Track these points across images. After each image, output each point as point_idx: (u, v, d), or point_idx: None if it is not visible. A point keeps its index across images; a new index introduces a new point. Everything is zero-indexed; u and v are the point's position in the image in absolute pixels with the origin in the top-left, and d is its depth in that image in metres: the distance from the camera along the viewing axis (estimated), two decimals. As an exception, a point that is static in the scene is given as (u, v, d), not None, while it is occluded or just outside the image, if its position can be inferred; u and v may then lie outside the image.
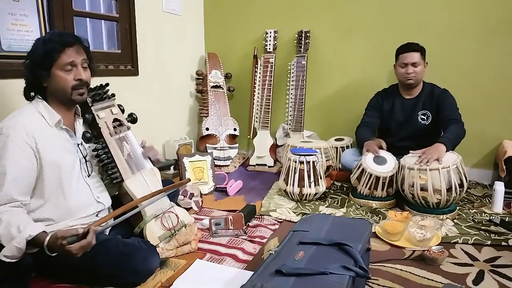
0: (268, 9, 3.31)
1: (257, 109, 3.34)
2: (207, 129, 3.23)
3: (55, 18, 2.17)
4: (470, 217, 2.17)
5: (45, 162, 1.44)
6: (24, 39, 2.01)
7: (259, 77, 3.32)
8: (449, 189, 2.09)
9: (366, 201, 2.36)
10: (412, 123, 2.53)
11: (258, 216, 2.19)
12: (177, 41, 3.23)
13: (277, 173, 3.01)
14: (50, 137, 1.48)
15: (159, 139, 3.09)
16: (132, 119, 1.81)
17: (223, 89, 3.37)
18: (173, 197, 1.88)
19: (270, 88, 3.25)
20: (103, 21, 2.94)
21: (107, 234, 1.61)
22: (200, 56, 3.55)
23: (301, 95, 3.14)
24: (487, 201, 2.43)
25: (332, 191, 2.63)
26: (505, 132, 2.73)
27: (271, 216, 2.19)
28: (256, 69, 3.35)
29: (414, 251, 1.76)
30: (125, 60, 2.74)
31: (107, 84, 1.76)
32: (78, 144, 1.59)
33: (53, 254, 1.28)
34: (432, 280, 1.53)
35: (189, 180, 1.96)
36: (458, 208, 2.26)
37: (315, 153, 2.43)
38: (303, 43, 3.14)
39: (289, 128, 3.22)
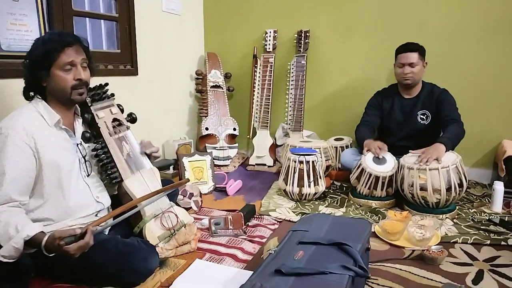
0: (267, 9, 3.31)
1: (257, 109, 3.34)
2: (206, 129, 3.23)
3: (54, 18, 2.17)
4: (470, 216, 2.17)
5: (45, 162, 1.43)
6: (24, 39, 2.01)
7: (259, 77, 3.32)
8: (448, 189, 2.09)
9: (366, 200, 2.36)
10: (411, 123, 2.53)
11: (257, 216, 2.19)
12: (177, 41, 3.23)
13: (276, 173, 3.01)
14: (50, 137, 1.48)
15: (159, 139, 3.09)
16: (132, 119, 1.81)
17: (222, 89, 3.37)
18: (172, 197, 1.88)
19: (270, 88, 3.25)
20: (102, 21, 2.95)
21: (106, 234, 1.61)
22: (199, 56, 3.55)
23: (300, 95, 3.14)
24: (487, 200, 2.43)
25: (331, 191, 2.63)
26: (504, 132, 2.73)
27: (270, 215, 2.19)
28: (255, 69, 3.35)
29: (413, 250, 1.76)
30: (125, 60, 2.74)
31: (106, 84, 1.76)
32: (77, 144, 1.59)
33: (51, 255, 1.28)
34: (432, 279, 1.53)
35: (188, 180, 1.96)
36: (457, 207, 2.26)
37: (314, 153, 2.43)
38: (302, 43, 3.14)
39: (289, 128, 3.22)
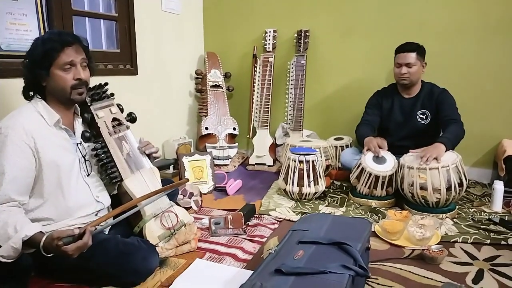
0: (267, 8, 3.31)
1: (257, 108, 3.34)
2: (206, 128, 3.22)
3: (54, 17, 2.17)
4: (470, 216, 2.17)
5: (44, 161, 1.43)
6: (23, 39, 2.01)
7: (259, 76, 3.32)
8: (448, 188, 2.09)
9: (366, 200, 2.36)
10: (411, 122, 2.53)
11: (257, 216, 2.19)
12: (176, 41, 3.22)
13: (276, 173, 3.01)
14: (49, 136, 1.48)
15: (159, 138, 3.09)
16: (131, 118, 1.81)
17: (222, 88, 3.37)
18: (172, 197, 1.88)
19: (270, 88, 3.25)
20: (102, 20, 2.94)
21: (106, 233, 1.61)
22: (199, 56, 3.55)
23: (300, 95, 3.14)
24: (487, 200, 2.43)
25: (331, 190, 2.63)
26: (504, 131, 2.73)
27: (270, 215, 2.19)
28: (255, 69, 3.35)
29: (413, 250, 1.76)
30: (124, 59, 2.74)
31: (106, 84, 1.76)
32: (77, 144, 1.59)
33: (49, 255, 1.27)
34: (432, 279, 1.53)
35: (187, 180, 1.96)
36: (457, 207, 2.26)
37: (314, 152, 2.43)
38: (302, 43, 3.13)
39: (289, 128, 3.22)
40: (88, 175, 1.60)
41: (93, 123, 1.67)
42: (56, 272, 1.46)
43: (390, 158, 2.36)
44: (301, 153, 2.41)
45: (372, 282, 1.50)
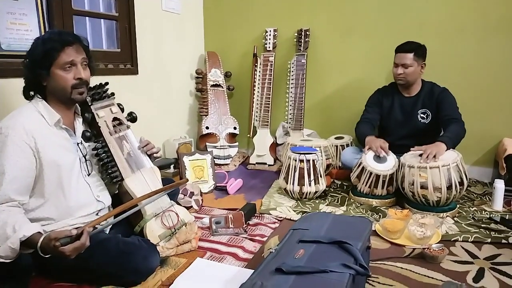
0: (267, 8, 3.30)
1: (257, 107, 3.34)
2: (207, 127, 3.22)
3: (54, 17, 2.17)
4: (470, 215, 2.16)
5: (45, 161, 1.43)
6: (24, 38, 2.01)
7: (259, 75, 3.32)
8: (449, 187, 2.09)
9: (366, 199, 2.36)
10: (412, 122, 2.52)
11: (258, 215, 2.19)
12: (177, 40, 3.22)
13: (277, 172, 3.01)
14: (50, 136, 1.48)
15: (159, 138, 3.09)
16: (132, 118, 1.81)
17: (222, 87, 3.37)
18: (173, 196, 1.88)
19: (270, 87, 3.25)
20: (102, 20, 2.95)
21: (107, 233, 1.61)
22: (199, 55, 3.55)
23: (301, 94, 3.14)
24: (487, 199, 2.43)
25: (332, 190, 2.63)
26: (505, 130, 2.73)
27: (271, 214, 2.19)
28: (255, 68, 3.35)
29: (414, 249, 1.76)
30: (125, 59, 2.74)
31: (106, 83, 1.76)
32: (77, 143, 1.59)
33: (46, 256, 1.26)
34: (432, 278, 1.53)
35: (187, 180, 1.96)
36: (458, 206, 2.26)
37: (315, 152, 2.43)
38: (302, 42, 3.13)
39: (289, 127, 3.22)
40: (89, 174, 1.60)
41: (94, 122, 1.67)
42: (57, 272, 1.46)
43: (391, 157, 2.35)
44: (302, 152, 2.41)
45: (373, 281, 1.50)
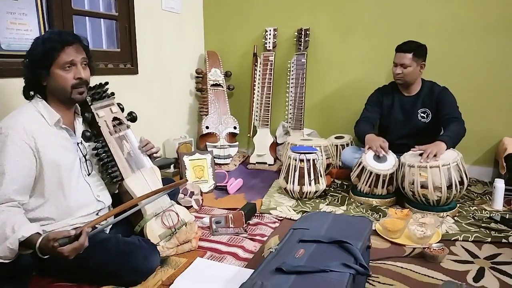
0: (267, 7, 3.30)
1: (257, 107, 3.34)
2: (207, 127, 3.22)
3: (54, 17, 2.17)
4: (471, 214, 2.16)
5: (45, 161, 1.43)
6: (23, 38, 2.01)
7: (259, 75, 3.31)
8: (449, 187, 2.09)
9: (367, 198, 2.36)
10: (412, 121, 2.52)
11: (258, 214, 2.19)
12: (177, 40, 3.22)
13: (277, 171, 3.01)
14: (50, 136, 1.48)
15: (159, 137, 3.09)
16: (132, 117, 1.81)
17: (222, 87, 3.37)
18: (173, 196, 1.88)
19: (270, 86, 3.25)
20: (102, 19, 2.94)
21: (107, 232, 1.61)
22: (199, 55, 3.55)
23: (301, 93, 3.14)
24: (487, 198, 2.43)
25: (332, 189, 2.63)
26: (505, 129, 2.73)
27: (271, 214, 2.19)
28: (255, 67, 3.35)
29: (414, 248, 1.76)
30: (125, 58, 2.73)
31: (106, 83, 1.76)
32: (77, 143, 1.59)
33: (45, 257, 1.26)
34: (433, 277, 1.53)
35: (186, 180, 1.96)
36: (458, 205, 2.26)
37: (315, 151, 2.43)
38: (302, 41, 3.13)
39: (289, 126, 3.22)
40: (89, 174, 1.60)
41: (94, 122, 1.67)
42: (57, 272, 1.46)
43: (391, 157, 2.35)
44: (302, 151, 2.41)
45: (373, 280, 1.50)
